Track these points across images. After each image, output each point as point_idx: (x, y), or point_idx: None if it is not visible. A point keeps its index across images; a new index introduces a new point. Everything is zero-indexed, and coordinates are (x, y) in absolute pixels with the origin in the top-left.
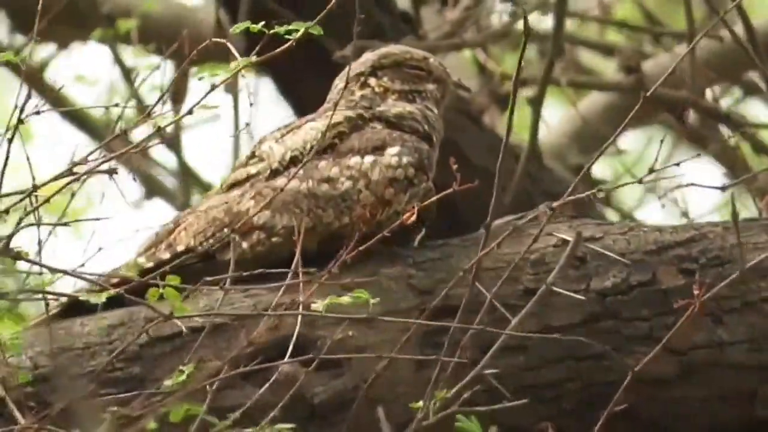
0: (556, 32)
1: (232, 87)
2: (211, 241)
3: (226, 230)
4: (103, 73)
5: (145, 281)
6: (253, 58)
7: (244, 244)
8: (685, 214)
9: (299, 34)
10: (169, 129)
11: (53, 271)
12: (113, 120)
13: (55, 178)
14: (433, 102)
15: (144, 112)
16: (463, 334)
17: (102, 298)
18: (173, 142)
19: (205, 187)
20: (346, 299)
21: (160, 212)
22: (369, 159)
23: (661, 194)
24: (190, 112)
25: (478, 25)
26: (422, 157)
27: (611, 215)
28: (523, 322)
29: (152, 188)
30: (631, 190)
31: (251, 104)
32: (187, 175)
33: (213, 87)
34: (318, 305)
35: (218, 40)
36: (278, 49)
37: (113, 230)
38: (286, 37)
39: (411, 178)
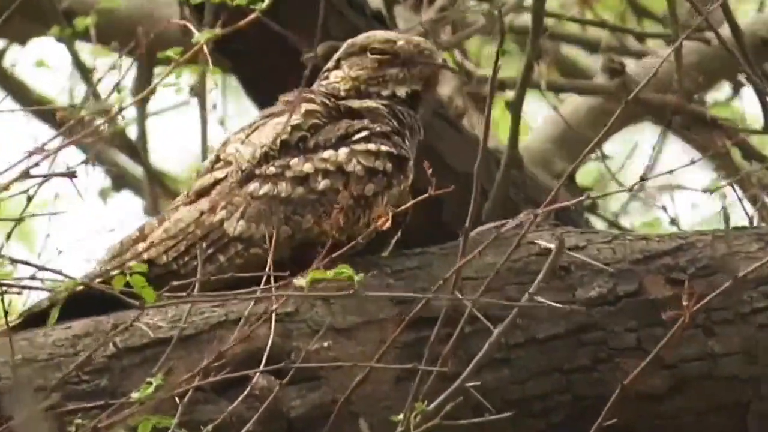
0: (534, 33)
1: (199, 89)
2: (187, 258)
3: (200, 244)
4: (63, 64)
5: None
6: (217, 30)
7: (221, 258)
8: (674, 221)
9: (265, 4)
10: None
11: (15, 262)
12: (75, 111)
13: (15, 180)
14: (396, 85)
15: (104, 108)
16: (443, 345)
17: (66, 292)
18: (139, 142)
19: (171, 184)
20: (329, 274)
21: (129, 205)
22: (344, 150)
23: (650, 199)
24: (153, 91)
25: (454, 25)
26: (399, 149)
27: (597, 223)
28: (506, 333)
29: (119, 180)
30: (616, 196)
31: (215, 106)
32: (152, 173)
33: (177, 63)
34: (300, 281)
35: (183, 22)
36: (243, 21)
37: (76, 227)
38: (251, 7)
39: (390, 175)
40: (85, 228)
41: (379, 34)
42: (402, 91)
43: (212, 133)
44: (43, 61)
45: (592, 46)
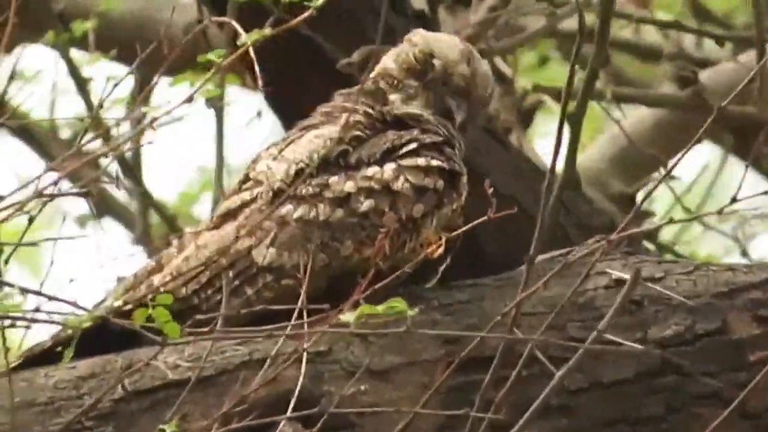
0: (600, 35)
1: (214, 100)
2: (209, 291)
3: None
4: (47, 74)
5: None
6: (267, 31)
7: (249, 290)
8: (745, 252)
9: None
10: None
11: (25, 292)
12: (58, 127)
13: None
14: (406, 99)
15: (101, 124)
16: (496, 391)
17: (83, 324)
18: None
19: (166, 211)
20: (380, 309)
21: (113, 233)
22: (390, 166)
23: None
24: (190, 99)
25: (505, 28)
26: (452, 163)
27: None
28: (567, 377)
29: (102, 205)
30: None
31: (259, 114)
32: (148, 197)
33: (218, 67)
34: (347, 317)
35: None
36: (298, 18)
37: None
38: (306, 4)
39: (441, 193)
40: (71, 258)
41: (433, 39)
42: (402, 109)
43: (205, 150)
44: (21, 73)
45: (646, 53)
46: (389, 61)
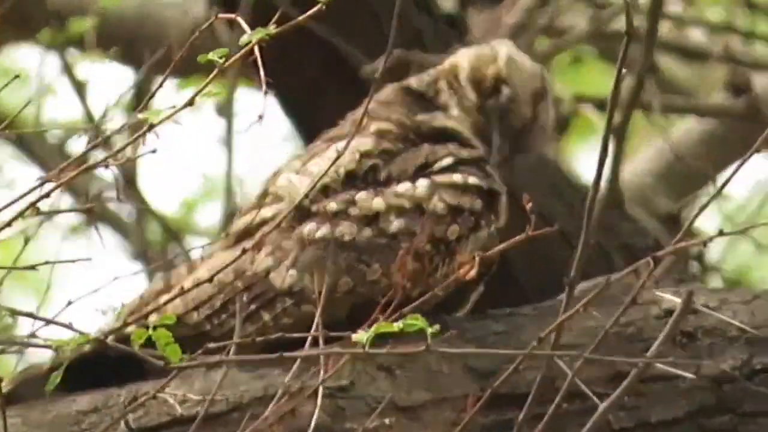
0: (647, 41)
1: (225, 108)
2: (223, 317)
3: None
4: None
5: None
6: (272, 29)
7: (266, 316)
8: None
9: None
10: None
11: (15, 314)
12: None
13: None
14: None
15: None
16: (531, 430)
17: (77, 346)
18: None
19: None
20: (397, 326)
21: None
22: (424, 182)
23: None
24: (191, 102)
25: (542, 31)
26: (490, 181)
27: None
28: (611, 413)
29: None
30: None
31: (260, 117)
32: (145, 205)
33: (221, 67)
34: (359, 336)
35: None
36: (305, 14)
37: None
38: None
39: (478, 214)
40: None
41: (515, 65)
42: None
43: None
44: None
45: (691, 55)
46: (464, 60)
